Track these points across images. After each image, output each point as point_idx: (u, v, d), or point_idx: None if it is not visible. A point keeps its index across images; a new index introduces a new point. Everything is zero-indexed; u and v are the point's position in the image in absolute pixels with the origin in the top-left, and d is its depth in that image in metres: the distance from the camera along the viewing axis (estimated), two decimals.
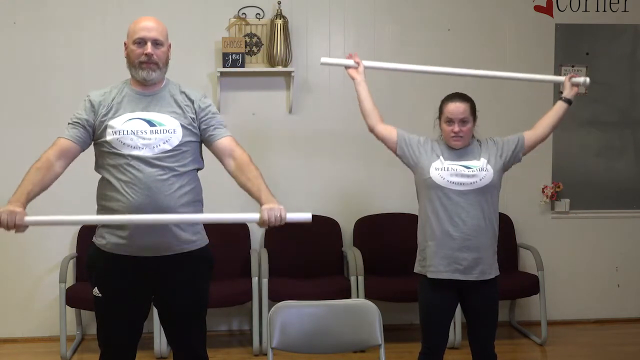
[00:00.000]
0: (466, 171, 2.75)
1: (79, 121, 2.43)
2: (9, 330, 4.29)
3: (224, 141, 2.47)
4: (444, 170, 2.76)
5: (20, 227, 2.23)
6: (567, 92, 3.05)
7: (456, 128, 2.75)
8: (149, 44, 2.40)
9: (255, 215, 2.31)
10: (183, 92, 2.49)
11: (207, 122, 2.47)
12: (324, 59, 3.13)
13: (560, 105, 3.00)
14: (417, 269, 2.89)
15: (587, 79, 3.13)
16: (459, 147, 2.80)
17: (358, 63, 3.08)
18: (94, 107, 2.43)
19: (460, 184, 2.74)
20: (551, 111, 3.02)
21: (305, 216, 2.33)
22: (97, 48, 4.18)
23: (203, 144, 2.53)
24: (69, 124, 2.45)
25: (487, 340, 2.83)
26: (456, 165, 2.77)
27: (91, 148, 2.50)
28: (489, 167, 2.78)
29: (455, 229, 2.74)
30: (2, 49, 4.19)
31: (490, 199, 2.80)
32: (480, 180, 2.75)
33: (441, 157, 2.79)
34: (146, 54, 2.39)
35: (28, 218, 2.26)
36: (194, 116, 2.45)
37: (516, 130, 4.46)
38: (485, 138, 2.92)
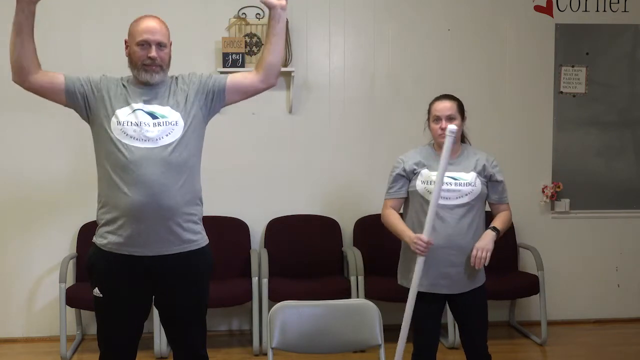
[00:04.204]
0: (453, 185, 2.73)
1: (80, 76, 2.44)
2: (9, 330, 4.29)
3: (233, 75, 2.54)
4: (430, 184, 2.75)
5: None
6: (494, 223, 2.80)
7: (444, 124, 2.76)
8: (153, 47, 2.38)
9: None
10: (180, 81, 2.50)
11: (210, 87, 2.49)
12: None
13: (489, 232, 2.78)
14: (401, 281, 2.89)
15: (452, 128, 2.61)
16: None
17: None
18: (101, 83, 2.43)
19: (447, 198, 2.72)
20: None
21: None
22: (97, 48, 4.17)
23: (207, 130, 2.55)
24: (76, 75, 2.45)
25: (479, 342, 2.83)
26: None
27: (91, 145, 2.49)
28: (477, 181, 2.77)
29: (441, 244, 2.72)
30: (2, 49, 4.18)
31: (477, 210, 2.79)
32: (467, 195, 2.74)
33: (427, 168, 2.78)
34: (150, 58, 2.38)
35: None
36: (196, 100, 2.46)
37: (515, 133, 4.51)
38: (485, 155, 2.88)
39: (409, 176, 2.84)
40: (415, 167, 2.82)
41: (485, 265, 2.72)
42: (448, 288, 2.77)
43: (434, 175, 2.73)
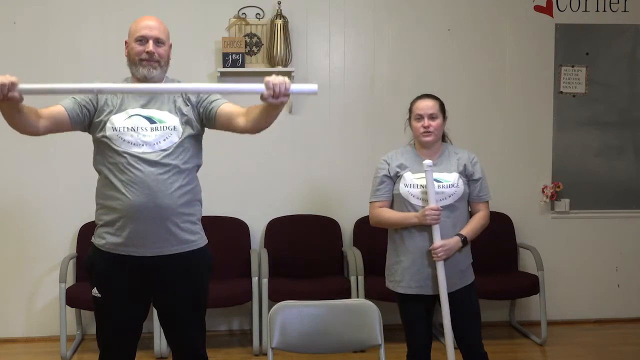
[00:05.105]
0: (435, 187, 2.73)
1: (77, 97, 2.42)
2: (9, 330, 4.29)
3: (226, 106, 2.44)
4: (412, 187, 2.76)
5: (13, 96, 2.10)
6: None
7: (425, 123, 2.77)
8: (151, 42, 2.40)
9: (261, 86, 2.16)
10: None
11: (204, 105, 2.45)
12: None
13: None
14: (388, 284, 2.88)
15: None
16: (430, 143, 2.80)
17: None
18: (98, 95, 2.43)
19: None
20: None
21: (311, 87, 2.21)
22: (97, 48, 4.18)
23: (207, 130, 2.52)
24: (71, 97, 2.43)
25: (474, 341, 2.82)
26: (425, 180, 2.73)
27: (90, 145, 2.49)
28: (460, 182, 2.78)
29: (427, 245, 2.73)
30: (2, 48, 4.19)
31: (461, 209, 2.80)
32: (450, 197, 2.75)
33: (409, 171, 2.79)
34: (148, 52, 2.39)
35: (22, 86, 2.11)
36: (192, 110, 2.45)
37: (515, 133, 4.51)
38: (467, 153, 2.87)
39: (394, 179, 2.84)
40: (398, 169, 2.83)
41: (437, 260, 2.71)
42: (435, 289, 2.76)
43: (416, 177, 2.75)
